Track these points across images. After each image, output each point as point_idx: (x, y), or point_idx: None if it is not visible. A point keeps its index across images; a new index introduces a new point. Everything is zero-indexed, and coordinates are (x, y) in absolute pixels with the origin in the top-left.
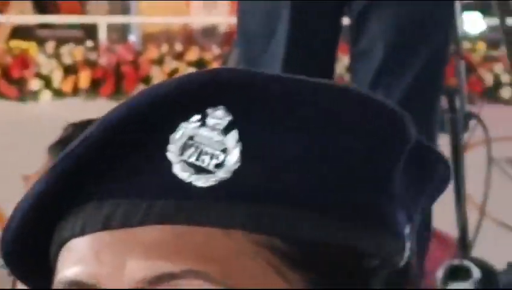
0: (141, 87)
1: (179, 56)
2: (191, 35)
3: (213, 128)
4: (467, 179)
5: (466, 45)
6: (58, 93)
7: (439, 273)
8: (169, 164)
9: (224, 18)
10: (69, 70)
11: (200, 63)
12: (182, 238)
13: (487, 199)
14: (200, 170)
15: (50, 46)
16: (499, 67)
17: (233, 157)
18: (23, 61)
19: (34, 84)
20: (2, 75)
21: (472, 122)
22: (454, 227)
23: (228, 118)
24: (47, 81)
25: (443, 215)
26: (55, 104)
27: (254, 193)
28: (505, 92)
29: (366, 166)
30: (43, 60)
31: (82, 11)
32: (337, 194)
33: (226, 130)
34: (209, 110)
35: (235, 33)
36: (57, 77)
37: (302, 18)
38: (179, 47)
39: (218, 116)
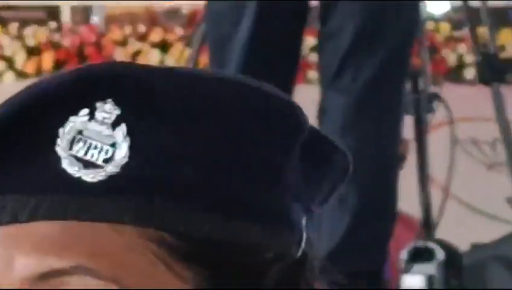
0: None
1: (142, 37)
2: (154, 17)
3: (102, 122)
4: (431, 160)
5: (430, 25)
6: (21, 75)
7: (403, 255)
8: (58, 159)
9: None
10: (33, 51)
11: (163, 44)
12: (70, 234)
13: (451, 179)
14: (88, 164)
15: (13, 27)
16: (462, 48)
17: (122, 152)
18: None
19: None
20: None
21: (436, 103)
22: (418, 208)
23: (116, 112)
24: (10, 63)
25: (407, 196)
26: (19, 85)
27: (142, 187)
28: (468, 73)
29: (256, 158)
30: (6, 42)
31: None
32: (227, 188)
33: (115, 124)
34: (98, 104)
35: (198, 14)
36: (20, 58)
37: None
38: (142, 28)
39: (107, 110)
